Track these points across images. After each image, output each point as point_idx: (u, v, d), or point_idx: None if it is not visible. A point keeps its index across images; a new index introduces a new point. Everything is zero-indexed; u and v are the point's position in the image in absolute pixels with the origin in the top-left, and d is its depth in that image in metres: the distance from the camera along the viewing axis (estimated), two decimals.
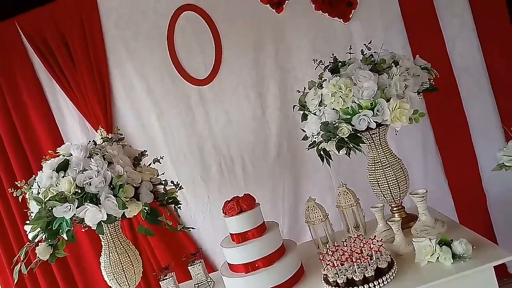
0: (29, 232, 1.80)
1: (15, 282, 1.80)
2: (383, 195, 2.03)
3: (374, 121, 1.78)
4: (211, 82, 2.74)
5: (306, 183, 2.74)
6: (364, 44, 1.99)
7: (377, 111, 1.79)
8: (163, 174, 2.05)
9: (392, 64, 1.90)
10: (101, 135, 2.14)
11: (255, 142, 2.76)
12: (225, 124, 2.75)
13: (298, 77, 2.65)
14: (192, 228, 2.17)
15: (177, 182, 2.07)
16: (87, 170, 1.81)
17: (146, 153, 2.10)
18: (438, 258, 1.61)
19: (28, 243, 1.85)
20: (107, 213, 1.75)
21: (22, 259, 1.81)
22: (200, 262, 2.06)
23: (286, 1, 2.67)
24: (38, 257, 1.78)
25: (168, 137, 2.76)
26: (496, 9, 2.67)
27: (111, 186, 1.80)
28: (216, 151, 2.75)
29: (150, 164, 2.10)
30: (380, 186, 2.02)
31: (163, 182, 2.05)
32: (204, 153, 2.76)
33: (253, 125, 2.76)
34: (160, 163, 2.14)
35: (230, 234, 1.87)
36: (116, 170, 1.86)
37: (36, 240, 1.80)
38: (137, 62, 2.71)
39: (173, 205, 2.05)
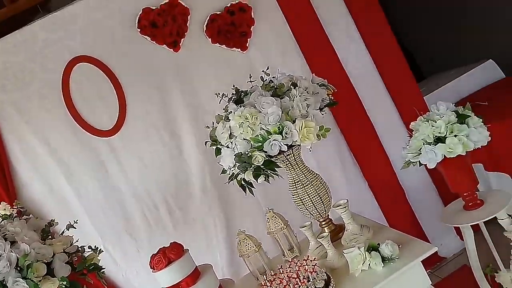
0: None
1: None
2: (309, 212, 2.05)
3: (284, 144, 1.81)
4: (119, 131, 2.62)
5: (237, 214, 2.71)
6: (263, 71, 2.03)
7: (286, 133, 1.81)
8: (77, 241, 1.88)
9: (291, 86, 1.95)
10: (3, 211, 1.93)
11: (177, 183, 2.68)
12: (141, 171, 2.64)
13: (208, 111, 2.63)
14: None
15: (95, 246, 1.91)
16: None
17: (54, 222, 1.93)
18: (369, 264, 1.65)
19: None
20: None
21: None
22: None
23: (182, 39, 2.67)
24: None
25: (82, 197, 2.57)
26: (375, 16, 2.90)
27: (18, 268, 1.62)
28: (137, 201, 2.62)
29: (63, 232, 1.93)
30: (305, 205, 2.03)
31: (80, 249, 1.89)
32: (125, 205, 2.62)
33: (171, 166, 2.68)
34: (75, 228, 1.97)
35: None
36: (21, 249, 1.67)
37: None
38: (33, 124, 2.52)
39: (96, 271, 1.89)
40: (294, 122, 1.82)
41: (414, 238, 1.76)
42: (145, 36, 2.61)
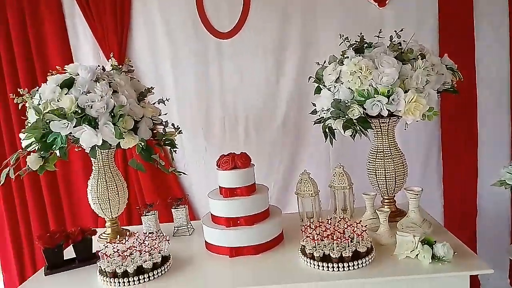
0: (23, 139, 1.79)
1: (1, 183, 1.80)
2: (378, 185, 2.02)
3: (387, 109, 1.75)
4: (232, 37, 2.68)
5: (304, 157, 2.73)
6: (395, 31, 1.93)
7: (393, 99, 1.75)
8: (165, 114, 2.03)
9: (419, 56, 1.85)
10: (112, 63, 2.10)
11: (262, 107, 2.73)
12: (237, 83, 2.72)
13: (320, 51, 2.59)
14: (184, 173, 2.16)
15: (177, 126, 2.05)
16: (91, 93, 1.79)
17: (152, 90, 2.07)
18: (417, 255, 1.61)
19: (20, 150, 1.85)
20: (102, 139, 1.74)
21: (12, 163, 1.81)
22: (185, 207, 2.07)
23: None
24: (28, 166, 1.78)
25: (178, 83, 2.72)
26: None
27: (112, 114, 1.78)
28: (222, 107, 2.73)
29: (154, 103, 2.08)
30: (377, 176, 2.00)
31: (164, 123, 2.04)
32: (210, 106, 2.74)
33: (264, 90, 2.72)
34: (165, 105, 2.12)
35: (220, 187, 1.87)
36: (120, 99, 1.83)
37: (29, 150, 1.80)
38: (162, 2, 2.64)
39: (169, 147, 2.05)
40: (406, 92, 1.75)
41: (473, 252, 1.68)
42: None
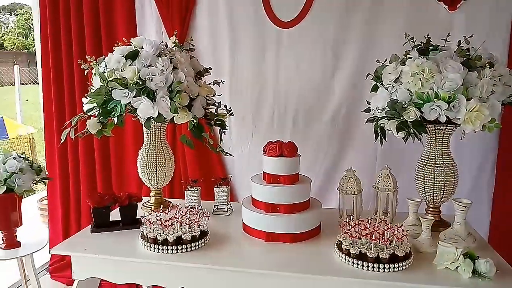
0: (86, 103, 1.90)
1: (61, 142, 1.92)
2: (425, 192, 1.97)
3: (445, 115, 1.69)
4: (292, 27, 2.67)
5: (350, 154, 2.69)
6: (464, 36, 1.86)
7: (453, 106, 1.69)
8: (220, 95, 2.07)
9: (487, 65, 1.77)
10: (174, 40, 2.16)
11: (314, 101, 2.70)
12: (292, 73, 2.71)
13: (382, 49, 2.51)
14: (230, 154, 2.20)
15: (229, 108, 2.09)
16: (153, 66, 1.86)
17: (210, 70, 2.12)
18: (458, 267, 1.56)
19: (82, 113, 1.96)
20: (158, 112, 1.81)
21: (72, 125, 1.93)
22: (227, 188, 2.12)
23: None
24: (87, 128, 1.88)
25: (234, 67, 2.76)
26: None
27: (170, 89, 1.85)
28: (273, 95, 2.74)
29: (210, 84, 2.13)
30: (425, 183, 1.95)
31: (217, 104, 2.08)
32: (262, 93, 2.75)
33: (318, 84, 2.69)
34: (219, 87, 2.16)
35: (263, 172, 1.89)
36: (179, 76, 1.90)
37: (90, 114, 1.90)
38: None
39: (219, 128, 2.09)
40: (468, 100, 1.68)
41: None
42: None
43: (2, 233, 2.12)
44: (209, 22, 2.76)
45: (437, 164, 1.92)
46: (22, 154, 2.12)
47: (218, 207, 2.12)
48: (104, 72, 1.88)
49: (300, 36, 2.67)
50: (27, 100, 13.43)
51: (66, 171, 3.10)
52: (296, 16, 2.66)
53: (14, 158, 2.04)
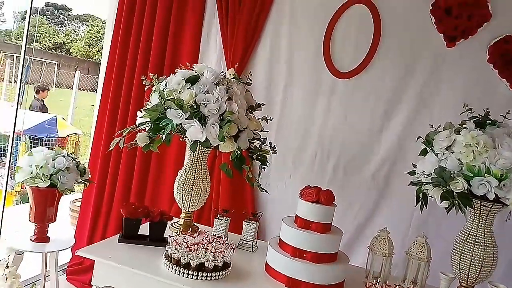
0: (140, 117, 1.98)
1: (110, 149, 2.01)
2: (459, 269, 1.86)
3: (494, 193, 1.63)
4: (347, 79, 2.71)
5: (385, 213, 2.62)
6: None
7: (504, 185, 1.63)
8: (267, 131, 2.11)
9: None
10: (232, 72, 2.25)
11: (358, 153, 2.69)
12: (338, 122, 2.73)
13: (435, 115, 2.50)
14: (266, 191, 2.20)
15: (274, 145, 2.11)
16: (209, 93, 1.93)
17: (262, 106, 2.17)
18: None
19: (134, 126, 2.05)
20: (206, 137, 1.86)
21: (123, 135, 2.01)
22: (256, 224, 2.10)
23: (462, 40, 2.52)
24: (136, 141, 1.96)
25: (284, 108, 2.82)
26: None
27: (221, 117, 1.91)
28: (318, 140, 2.75)
29: (259, 119, 2.18)
30: (461, 260, 1.85)
31: (263, 139, 2.12)
32: (307, 136, 2.78)
33: (364, 137, 2.69)
34: (267, 123, 2.20)
35: (296, 215, 1.87)
36: (232, 106, 1.95)
37: (141, 127, 1.98)
38: (294, 29, 2.79)
39: (260, 163, 2.11)
40: None
41: None
42: (430, 15, 2.55)
43: (35, 225, 2.19)
44: (269, 60, 2.86)
45: (477, 242, 1.82)
46: (71, 154, 2.22)
47: (244, 241, 2.10)
48: (164, 90, 1.97)
49: (354, 88, 2.70)
50: (93, 105, 14.09)
51: (105, 177, 3.20)
52: (354, 69, 2.70)
53: (64, 156, 2.14)
